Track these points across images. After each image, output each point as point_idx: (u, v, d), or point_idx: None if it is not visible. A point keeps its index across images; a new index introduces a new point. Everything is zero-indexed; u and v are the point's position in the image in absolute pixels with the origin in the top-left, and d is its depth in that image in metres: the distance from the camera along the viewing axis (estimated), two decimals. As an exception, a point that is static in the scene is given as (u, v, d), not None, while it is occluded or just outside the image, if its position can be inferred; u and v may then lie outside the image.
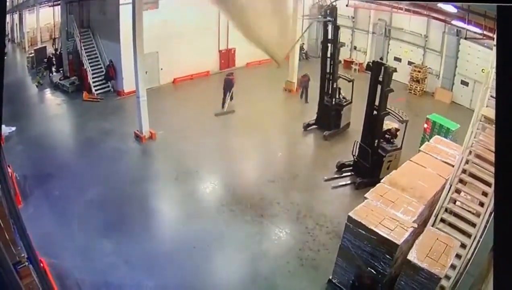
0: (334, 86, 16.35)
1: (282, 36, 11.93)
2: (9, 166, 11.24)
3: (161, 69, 20.91)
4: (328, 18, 16.05)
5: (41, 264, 8.59)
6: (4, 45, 2.15)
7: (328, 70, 16.40)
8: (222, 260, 10.53)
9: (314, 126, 17.24)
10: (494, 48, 8.58)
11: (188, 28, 20.47)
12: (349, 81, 16.28)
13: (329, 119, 16.70)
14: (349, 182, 13.80)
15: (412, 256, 8.01)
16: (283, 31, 11.87)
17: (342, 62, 20.39)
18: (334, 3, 16.23)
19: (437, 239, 8.43)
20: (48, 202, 11.78)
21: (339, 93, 16.81)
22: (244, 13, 10.06)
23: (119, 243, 10.56)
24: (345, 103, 16.59)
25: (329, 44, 16.19)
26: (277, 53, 13.47)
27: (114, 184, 12.92)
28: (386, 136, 13.77)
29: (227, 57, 23.96)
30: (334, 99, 16.52)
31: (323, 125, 16.91)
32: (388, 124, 14.01)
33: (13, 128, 15.37)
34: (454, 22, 17.88)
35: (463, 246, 8.59)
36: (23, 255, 6.82)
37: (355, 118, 16.03)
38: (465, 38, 18.52)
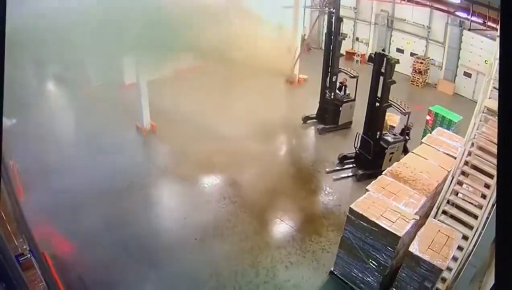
0: (333, 79, 16.08)
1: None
2: (10, 159, 11.25)
3: (162, 60, 20.78)
4: (330, 9, 15.86)
5: (44, 257, 8.63)
6: (4, 39, 2.10)
7: (330, 63, 16.14)
8: (224, 250, 10.55)
9: (314, 120, 17.17)
10: (498, 39, 8.51)
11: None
12: (351, 77, 15.91)
13: (327, 114, 16.58)
14: (350, 174, 13.81)
15: (413, 248, 8.01)
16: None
17: (344, 54, 20.23)
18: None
19: (439, 231, 8.43)
20: (50, 195, 11.79)
21: (345, 90, 16.64)
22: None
23: (120, 235, 10.59)
24: (345, 100, 16.30)
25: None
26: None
27: (115, 176, 12.92)
28: (406, 131, 13.82)
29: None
30: (332, 94, 16.31)
31: (322, 119, 16.83)
32: (390, 115, 13.99)
33: (14, 120, 15.32)
34: (457, 13, 17.78)
35: (465, 238, 8.59)
36: (25, 247, 6.84)
37: (359, 116, 15.33)
38: (469, 30, 18.37)
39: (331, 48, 15.93)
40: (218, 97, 18.01)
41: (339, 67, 16.02)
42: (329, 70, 16.10)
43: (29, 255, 6.83)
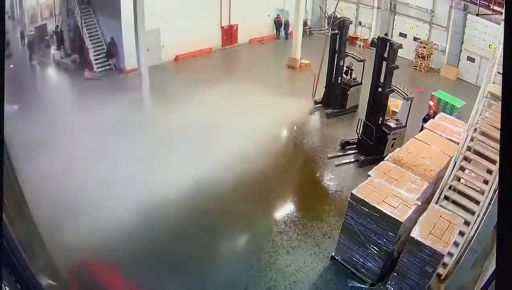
0: (341, 64, 16.08)
1: None
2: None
3: (163, 46, 20.68)
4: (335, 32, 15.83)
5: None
6: (4, 39, 2.10)
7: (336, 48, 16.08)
8: (226, 233, 10.60)
9: (320, 104, 17.15)
10: (502, 23, 8.41)
11: (189, 4, 20.24)
12: (359, 61, 15.90)
13: (334, 99, 16.57)
14: (352, 160, 13.79)
15: (415, 233, 8.03)
16: None
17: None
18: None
19: (441, 216, 8.43)
20: (52, 179, 11.79)
21: (351, 74, 16.64)
22: None
23: (123, 216, 10.56)
24: (353, 84, 16.37)
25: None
26: None
27: (117, 159, 12.82)
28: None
29: (229, 33, 23.66)
30: (340, 78, 16.31)
31: (329, 104, 16.80)
32: (392, 101, 13.93)
33: (15, 107, 15.31)
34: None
35: (466, 223, 8.61)
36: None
37: (364, 100, 15.15)
38: (477, 15, 18.14)
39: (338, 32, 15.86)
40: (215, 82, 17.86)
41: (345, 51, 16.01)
42: (336, 54, 16.06)
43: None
